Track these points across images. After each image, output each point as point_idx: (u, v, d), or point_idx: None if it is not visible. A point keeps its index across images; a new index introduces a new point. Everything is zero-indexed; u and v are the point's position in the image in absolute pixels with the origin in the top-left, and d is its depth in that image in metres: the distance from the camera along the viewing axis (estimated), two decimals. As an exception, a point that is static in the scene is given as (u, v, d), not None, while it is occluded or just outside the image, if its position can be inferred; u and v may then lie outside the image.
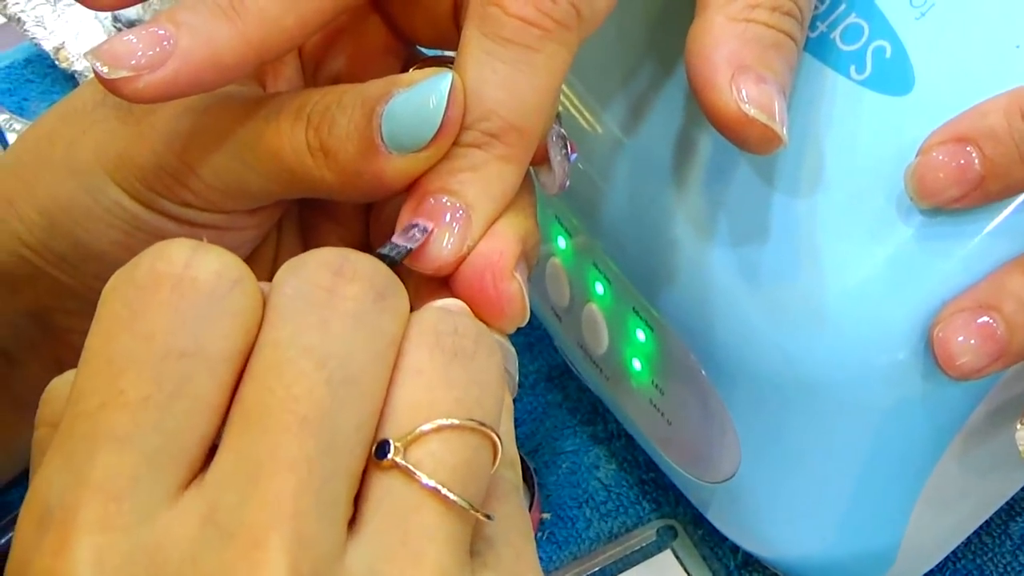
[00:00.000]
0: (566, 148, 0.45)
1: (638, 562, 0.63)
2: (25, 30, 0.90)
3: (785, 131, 0.41)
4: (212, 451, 0.33)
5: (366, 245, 0.50)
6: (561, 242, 0.57)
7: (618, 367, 0.56)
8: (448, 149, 0.41)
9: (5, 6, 0.91)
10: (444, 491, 0.33)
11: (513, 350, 0.42)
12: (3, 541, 0.36)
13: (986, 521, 0.58)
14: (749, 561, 0.61)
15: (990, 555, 0.61)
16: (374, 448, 0.33)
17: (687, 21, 0.43)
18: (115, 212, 0.44)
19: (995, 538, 0.62)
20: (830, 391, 0.46)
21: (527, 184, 0.43)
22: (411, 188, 0.41)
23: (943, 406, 0.47)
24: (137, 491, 0.31)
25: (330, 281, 0.34)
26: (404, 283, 0.36)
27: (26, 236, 0.46)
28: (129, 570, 0.31)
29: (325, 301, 0.34)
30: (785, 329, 0.46)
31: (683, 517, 0.64)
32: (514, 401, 0.68)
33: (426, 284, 0.42)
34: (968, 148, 0.42)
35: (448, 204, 0.41)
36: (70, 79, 0.90)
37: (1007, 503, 0.59)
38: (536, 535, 0.64)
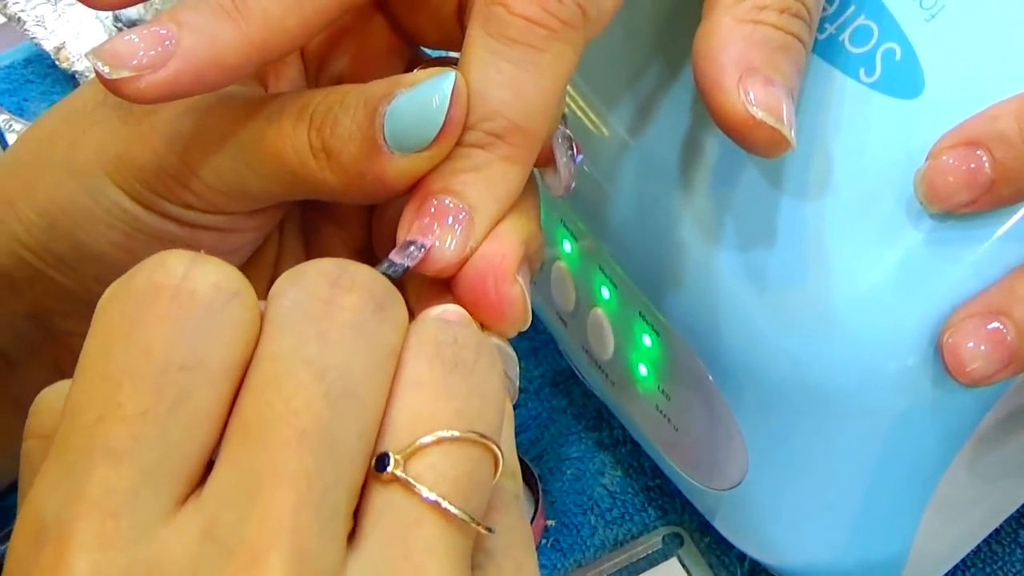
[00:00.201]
0: (572, 149, 0.45)
1: (644, 570, 0.63)
2: (25, 30, 0.90)
3: (793, 134, 0.41)
4: (210, 464, 0.33)
5: (368, 247, 0.50)
6: (567, 246, 0.57)
7: (624, 372, 0.56)
8: (451, 149, 0.41)
9: (5, 5, 0.91)
10: (445, 504, 0.33)
11: (514, 354, 0.42)
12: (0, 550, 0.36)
13: (996, 529, 0.58)
14: (756, 569, 0.61)
15: (1000, 563, 0.61)
16: (374, 461, 0.33)
17: (694, 22, 0.43)
18: (115, 213, 0.44)
19: (1005, 546, 0.62)
20: (838, 397, 0.46)
21: (531, 186, 0.43)
22: (413, 189, 0.41)
23: (953, 413, 0.47)
24: (135, 507, 0.31)
25: (328, 292, 0.34)
26: (405, 285, 0.36)
27: (25, 238, 0.46)
28: None
29: (323, 312, 0.34)
30: (793, 334, 0.46)
31: (689, 524, 0.64)
32: (518, 407, 0.68)
33: (427, 286, 0.42)
34: (979, 152, 0.42)
35: (451, 205, 0.41)
36: (71, 79, 0.90)
37: (1017, 511, 0.59)
38: (540, 542, 0.64)
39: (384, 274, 0.38)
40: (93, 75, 0.40)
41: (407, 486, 0.33)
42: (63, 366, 0.35)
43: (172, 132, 0.43)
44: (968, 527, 0.56)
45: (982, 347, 0.43)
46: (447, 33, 0.46)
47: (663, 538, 0.63)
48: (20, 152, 0.48)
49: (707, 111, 0.42)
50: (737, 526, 0.56)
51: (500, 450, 0.35)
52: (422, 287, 0.42)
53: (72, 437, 0.32)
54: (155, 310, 0.33)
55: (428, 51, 0.50)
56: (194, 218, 0.44)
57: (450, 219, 0.41)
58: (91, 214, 0.45)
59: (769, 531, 0.54)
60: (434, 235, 0.40)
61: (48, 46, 0.90)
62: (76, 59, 0.89)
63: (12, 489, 0.57)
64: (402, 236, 0.41)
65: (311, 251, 0.50)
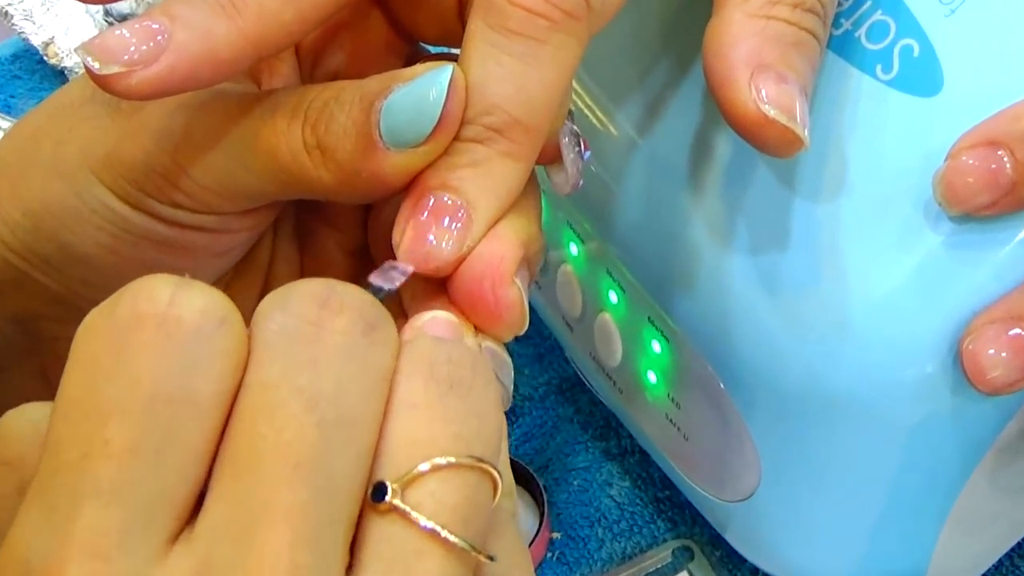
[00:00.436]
0: (579, 146, 0.45)
1: (652, 584, 0.63)
2: (13, 24, 0.91)
3: (807, 133, 0.41)
4: (200, 496, 0.33)
5: (364, 248, 0.50)
6: (573, 248, 0.57)
7: (632, 379, 0.56)
8: (448, 145, 0.41)
9: (-8, -1, 0.91)
10: (444, 534, 0.33)
11: (509, 359, 0.42)
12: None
13: (1018, 543, 0.58)
14: (769, 584, 0.62)
15: (1023, 579, 0.62)
16: (370, 490, 0.33)
17: (705, 18, 0.43)
18: (102, 214, 0.44)
19: (1028, 561, 0.62)
20: (854, 406, 0.47)
21: (532, 186, 0.43)
22: (410, 186, 0.41)
23: (973, 422, 0.47)
24: (126, 549, 0.31)
25: (317, 315, 0.34)
26: (399, 287, 0.36)
27: (9, 239, 0.46)
28: None
29: (313, 336, 0.33)
30: (808, 340, 0.46)
31: (700, 537, 0.64)
32: (522, 415, 0.69)
33: (422, 287, 0.42)
34: (999, 152, 0.42)
35: (448, 202, 0.41)
36: (59, 75, 0.90)
37: (1041, 525, 0.59)
38: (546, 555, 0.64)
39: None
40: (82, 71, 0.40)
41: (405, 516, 0.33)
42: (49, 372, 0.35)
43: (163, 130, 0.43)
44: (989, 540, 0.56)
45: (1003, 354, 0.43)
46: (447, 29, 0.46)
47: (673, 551, 0.64)
48: (5, 150, 0.48)
49: (718, 109, 0.42)
50: (749, 539, 0.56)
51: (499, 473, 0.35)
52: (417, 288, 0.42)
53: (56, 474, 0.32)
54: (140, 340, 0.32)
55: (429, 48, 0.50)
56: (184, 218, 0.44)
57: (447, 217, 0.41)
58: (78, 214, 0.45)
59: (782, 545, 0.54)
60: (423, 248, 0.40)
61: (36, 41, 0.90)
62: (65, 54, 0.89)
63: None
64: (398, 234, 0.41)
65: (305, 252, 0.50)
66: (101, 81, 0.39)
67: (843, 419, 0.47)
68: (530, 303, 0.42)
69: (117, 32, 0.39)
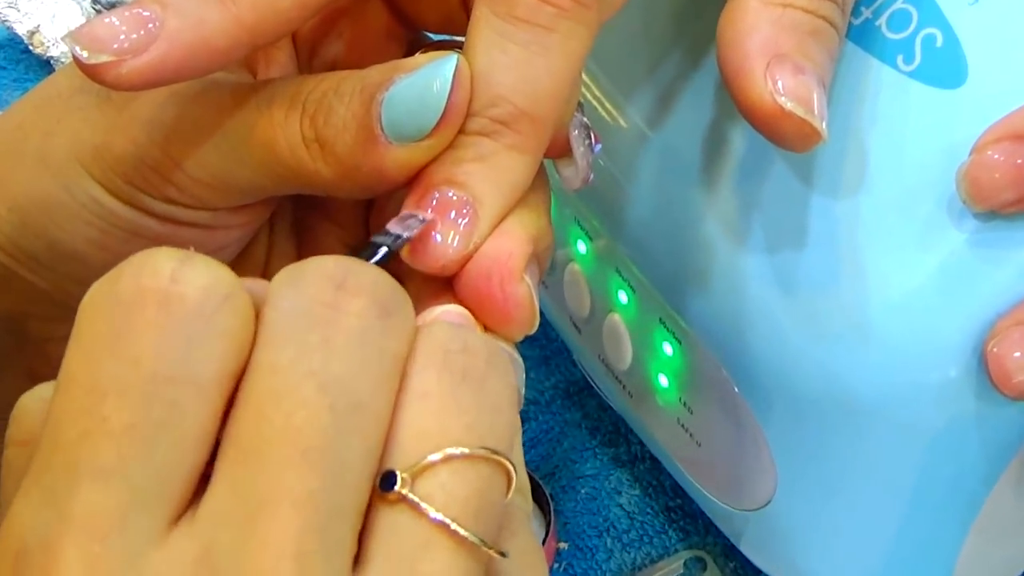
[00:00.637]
0: (589, 139, 0.45)
1: (663, 596, 0.63)
2: (-3, 12, 0.91)
3: (825, 126, 0.41)
4: (203, 480, 0.33)
5: (366, 246, 0.50)
6: (581, 246, 0.57)
7: (643, 383, 0.57)
8: (453, 138, 0.41)
9: (-26, -14, 0.92)
10: (455, 527, 0.33)
11: (520, 359, 0.42)
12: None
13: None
14: (785, 597, 0.62)
15: (1050, 591, 0.61)
16: (379, 479, 0.33)
17: (719, 5, 0.43)
18: (92, 208, 0.44)
19: (1056, 573, 0.62)
20: (875, 411, 0.47)
21: (541, 179, 0.43)
22: (413, 181, 0.41)
23: (998, 427, 0.47)
24: (124, 530, 0.31)
25: (332, 296, 0.34)
26: (404, 283, 0.36)
27: (-5, 235, 0.46)
28: None
29: (327, 319, 0.33)
30: (826, 342, 0.46)
31: (713, 548, 0.64)
32: (527, 420, 0.69)
33: (427, 286, 0.42)
34: (1026, 146, 0.43)
35: (453, 198, 0.41)
36: (45, 65, 0.91)
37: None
38: (552, 567, 0.64)
39: (381, 244, 0.38)
40: (70, 60, 0.40)
41: (415, 507, 0.33)
42: (37, 375, 0.35)
43: (154, 121, 0.43)
44: (1015, 551, 0.56)
45: (1030, 357, 0.43)
46: (451, 16, 0.46)
47: (684, 562, 0.64)
48: (-10, 143, 0.48)
49: (732, 101, 0.42)
50: (765, 550, 0.56)
51: (513, 467, 0.35)
52: (421, 286, 0.42)
53: (55, 453, 0.32)
54: (142, 317, 0.32)
55: (432, 36, 0.50)
56: (176, 214, 0.44)
57: (453, 212, 0.41)
58: (66, 209, 0.45)
59: (799, 555, 0.54)
60: (428, 246, 0.41)
61: (21, 30, 0.90)
62: (51, 43, 0.89)
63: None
64: None
65: (303, 250, 0.50)
66: (90, 71, 0.39)
67: (863, 424, 0.47)
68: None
69: (106, 19, 0.39)
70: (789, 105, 0.41)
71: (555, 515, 0.64)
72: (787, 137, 0.42)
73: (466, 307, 0.41)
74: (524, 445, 0.67)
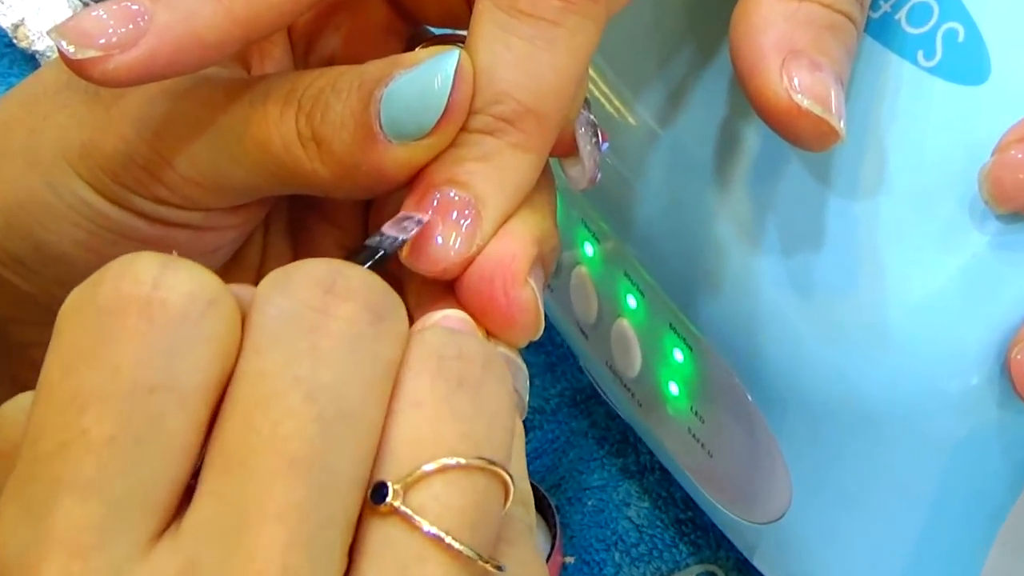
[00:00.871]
0: (597, 137, 0.45)
1: (673, 613, 0.63)
2: (-20, 5, 0.91)
3: (842, 124, 0.41)
4: (187, 492, 0.33)
5: (360, 249, 0.50)
6: (588, 249, 0.57)
7: (652, 391, 0.57)
8: (455, 136, 0.41)
9: (-43, -23, 0.92)
10: (449, 540, 0.33)
11: (524, 366, 0.42)
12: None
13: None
14: (800, 614, 0.62)
15: (1077, 609, 0.61)
16: (370, 491, 0.33)
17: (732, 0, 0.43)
18: (79, 209, 0.44)
19: (1082, 590, 0.62)
20: (893, 419, 0.47)
21: (546, 179, 0.43)
22: (414, 181, 0.41)
23: (1022, 437, 0.47)
24: (105, 545, 0.31)
25: (321, 301, 0.34)
26: (403, 288, 0.36)
27: (-22, 237, 0.46)
28: None
29: (316, 324, 0.33)
30: (842, 349, 0.46)
31: (725, 562, 0.64)
32: (532, 429, 0.69)
33: (428, 289, 0.42)
34: (1051, 146, 0.43)
35: (455, 198, 0.41)
36: (30, 60, 0.91)
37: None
38: (557, 582, 0.64)
39: (376, 248, 0.38)
40: (55, 55, 0.40)
41: (407, 519, 0.33)
42: (21, 379, 0.35)
43: (144, 118, 0.43)
44: (1040, 567, 0.56)
45: (1055, 365, 0.43)
46: (452, 9, 0.46)
47: (696, 578, 0.64)
48: (-28, 142, 0.48)
49: (746, 98, 0.42)
50: (779, 564, 0.56)
51: (510, 476, 0.35)
52: (422, 290, 0.42)
53: (34, 466, 0.32)
54: (122, 325, 0.32)
55: (433, 30, 0.50)
56: (167, 215, 0.44)
57: (454, 213, 0.41)
58: (53, 210, 0.45)
59: (815, 570, 0.54)
60: (429, 248, 0.40)
61: (5, 23, 0.90)
62: (36, 37, 0.89)
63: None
64: None
65: (300, 253, 0.50)
66: (76, 66, 0.39)
67: (881, 434, 0.47)
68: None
69: (93, 13, 0.39)
70: (805, 103, 0.41)
71: (561, 528, 0.64)
72: (803, 136, 0.42)
73: (468, 312, 0.41)
74: (529, 455, 0.67)
